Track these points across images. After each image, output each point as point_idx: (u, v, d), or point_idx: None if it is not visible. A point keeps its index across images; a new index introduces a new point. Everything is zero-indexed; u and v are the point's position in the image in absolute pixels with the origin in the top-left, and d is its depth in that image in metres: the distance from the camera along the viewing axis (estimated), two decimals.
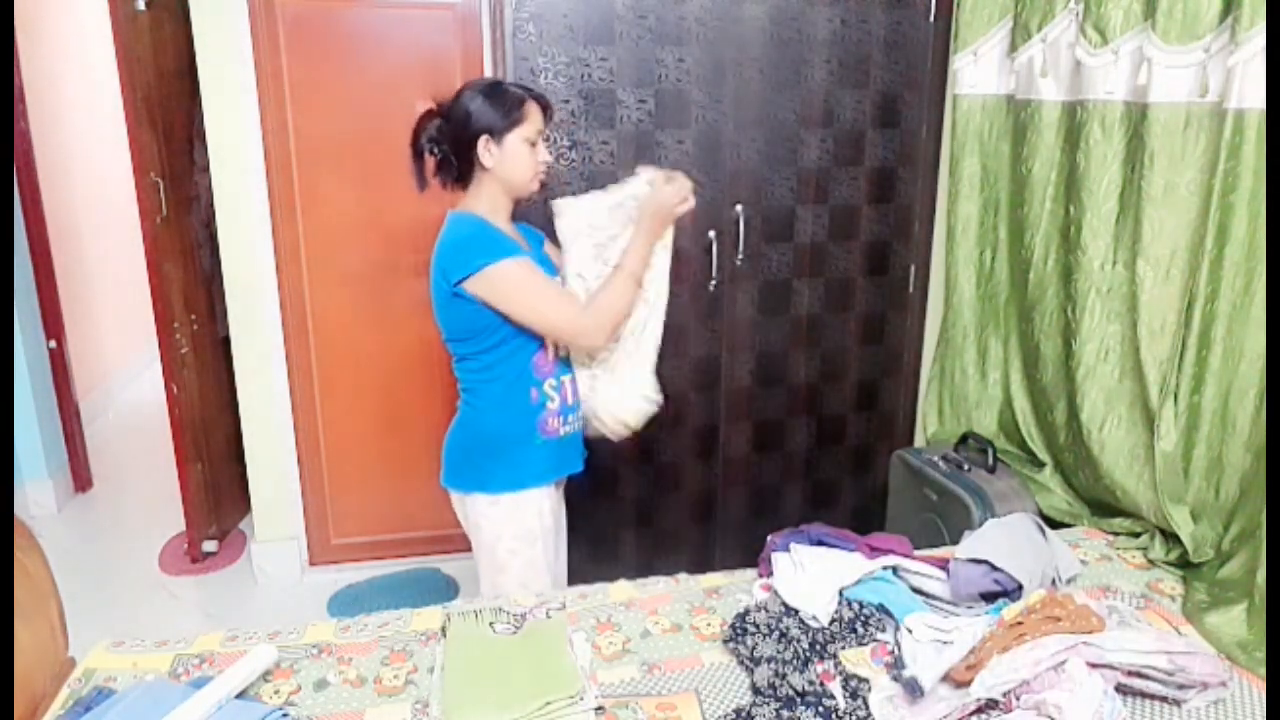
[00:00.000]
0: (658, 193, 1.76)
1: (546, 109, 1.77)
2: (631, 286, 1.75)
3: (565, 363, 1.83)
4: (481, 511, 1.81)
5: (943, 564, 1.66)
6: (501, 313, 1.69)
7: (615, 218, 1.81)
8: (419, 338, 2.88)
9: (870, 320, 2.72)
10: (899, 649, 1.44)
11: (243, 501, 3.15)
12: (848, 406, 2.78)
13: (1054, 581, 1.65)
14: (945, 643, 1.41)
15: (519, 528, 1.80)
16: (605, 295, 1.74)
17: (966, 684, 1.31)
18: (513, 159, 1.72)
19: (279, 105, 2.65)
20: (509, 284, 1.68)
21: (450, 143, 1.73)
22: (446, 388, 2.42)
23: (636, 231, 1.77)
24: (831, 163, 2.54)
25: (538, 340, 1.76)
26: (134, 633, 1.54)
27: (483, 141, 1.70)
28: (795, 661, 1.41)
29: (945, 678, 1.34)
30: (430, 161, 1.76)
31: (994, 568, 1.58)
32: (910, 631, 1.46)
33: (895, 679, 1.38)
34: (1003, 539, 1.67)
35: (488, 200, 1.76)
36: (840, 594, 1.57)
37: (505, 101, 1.70)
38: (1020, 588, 1.56)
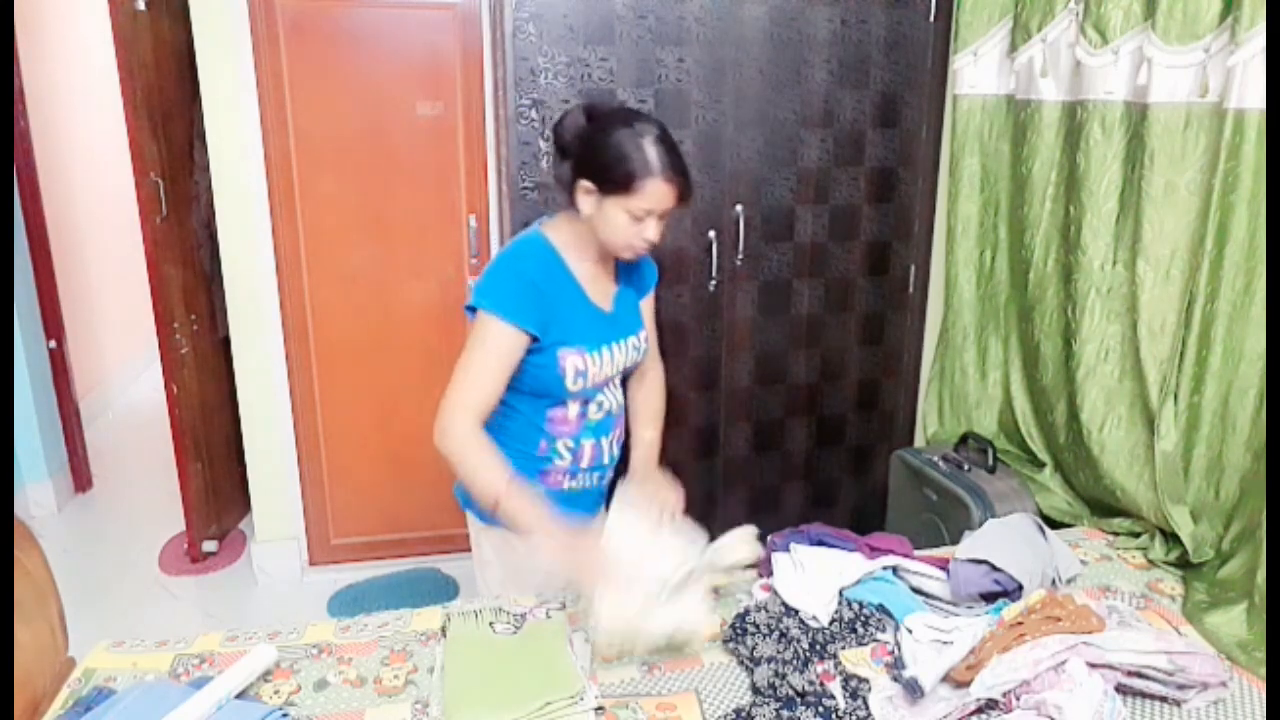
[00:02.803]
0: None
1: (682, 196, 1.47)
2: (489, 498, 1.46)
3: (594, 428, 1.65)
4: (474, 532, 1.73)
5: (943, 564, 1.66)
6: None
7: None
8: (419, 338, 2.88)
9: (870, 320, 2.72)
10: (899, 649, 1.44)
11: (243, 501, 3.15)
12: (848, 406, 2.79)
13: (1054, 581, 1.65)
14: (945, 643, 1.41)
15: (507, 559, 1.70)
16: (481, 462, 1.47)
17: (966, 684, 1.31)
18: (607, 223, 1.48)
19: (279, 105, 2.65)
20: (471, 335, 1.51)
21: (571, 153, 1.50)
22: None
23: (552, 534, 1.43)
24: (831, 163, 2.54)
25: (553, 397, 1.58)
26: (134, 633, 1.54)
27: (582, 187, 1.47)
28: (795, 661, 1.40)
29: (945, 678, 1.34)
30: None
31: (994, 568, 1.58)
32: (910, 632, 1.46)
33: (895, 679, 1.38)
34: (1003, 539, 1.67)
35: (574, 235, 1.55)
36: (840, 594, 1.57)
37: (622, 165, 1.42)
38: (1020, 588, 1.55)
